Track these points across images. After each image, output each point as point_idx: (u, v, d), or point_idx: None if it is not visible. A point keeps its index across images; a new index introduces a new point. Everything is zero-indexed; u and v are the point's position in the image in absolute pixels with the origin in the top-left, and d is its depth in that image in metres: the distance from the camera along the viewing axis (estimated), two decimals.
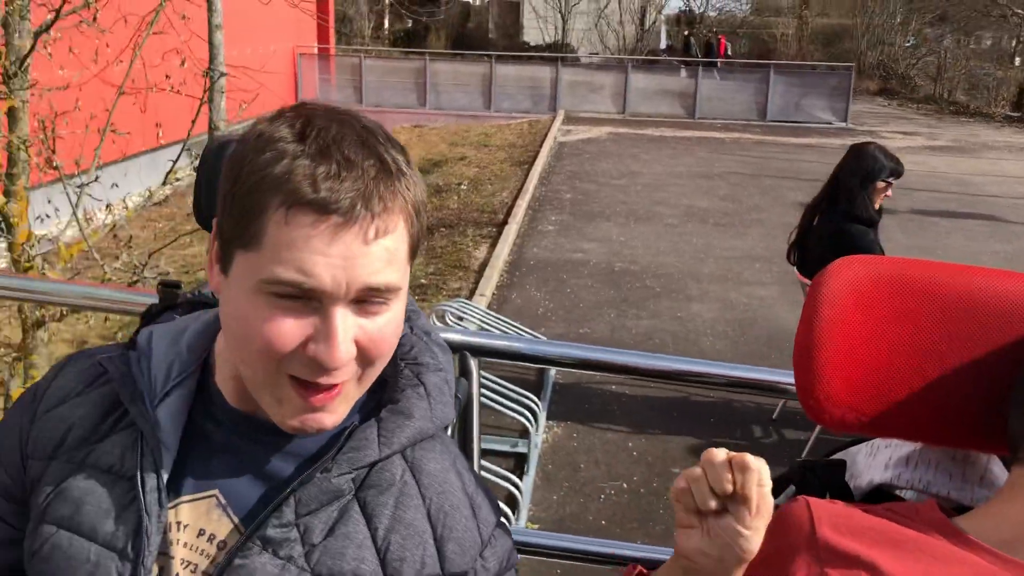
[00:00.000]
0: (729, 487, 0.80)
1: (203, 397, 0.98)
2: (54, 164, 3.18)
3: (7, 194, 3.39)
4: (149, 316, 1.29)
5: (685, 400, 4.77)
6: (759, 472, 0.81)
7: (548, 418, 4.53)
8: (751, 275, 7.27)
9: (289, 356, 0.84)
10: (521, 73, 18.94)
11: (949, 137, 16.43)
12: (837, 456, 1.11)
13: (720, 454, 0.82)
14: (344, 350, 0.83)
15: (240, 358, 0.87)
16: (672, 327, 5.99)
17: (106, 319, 3.89)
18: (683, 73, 19.17)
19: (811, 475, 1.03)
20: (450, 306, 4.99)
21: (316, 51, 18.93)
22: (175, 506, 0.94)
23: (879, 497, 1.02)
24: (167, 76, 3.87)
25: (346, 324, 0.83)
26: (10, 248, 3.43)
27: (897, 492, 1.02)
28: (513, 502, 3.55)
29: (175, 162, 3.41)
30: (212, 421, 0.97)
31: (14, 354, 3.38)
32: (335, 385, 0.86)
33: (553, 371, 5.00)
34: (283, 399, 0.86)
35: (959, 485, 1.00)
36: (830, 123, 16.99)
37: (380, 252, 0.83)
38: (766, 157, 13.29)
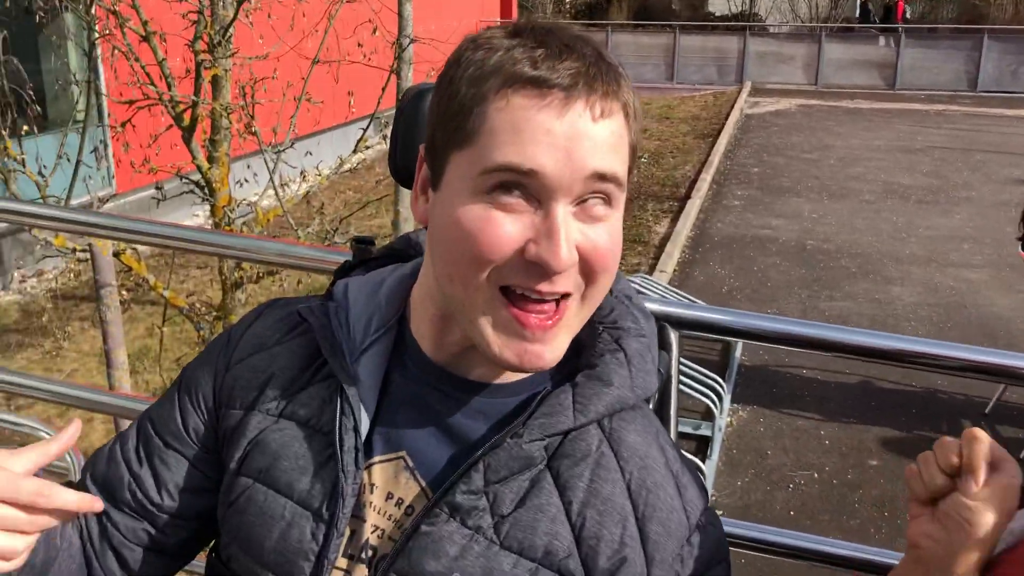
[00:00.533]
0: (956, 460, 0.77)
1: (399, 352, 0.92)
2: (253, 130, 3.28)
3: (210, 160, 3.55)
4: (343, 272, 1.25)
5: (883, 388, 4.42)
6: (987, 444, 0.77)
7: (733, 401, 4.32)
8: (958, 257, 6.68)
9: (506, 264, 0.77)
10: (706, 44, 18.32)
11: None
12: None
13: (951, 439, 0.79)
14: (567, 249, 0.75)
15: (450, 276, 0.80)
16: (869, 310, 5.59)
17: (299, 282, 4.03)
18: (882, 41, 17.94)
19: None
20: (631, 280, 4.86)
21: (499, 22, 19.08)
22: (368, 467, 0.89)
23: None
24: (359, 45, 3.93)
25: (568, 227, 0.76)
26: (212, 211, 3.60)
27: None
28: None
29: (365, 130, 3.46)
30: (405, 373, 0.91)
31: (215, 313, 3.55)
32: (555, 305, 0.78)
33: (739, 351, 4.78)
34: (498, 323, 0.79)
35: None
36: None
37: (605, 133, 0.76)
38: (976, 130, 12.23)
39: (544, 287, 0.76)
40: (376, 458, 0.89)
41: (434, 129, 0.81)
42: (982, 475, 0.77)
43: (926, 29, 19.29)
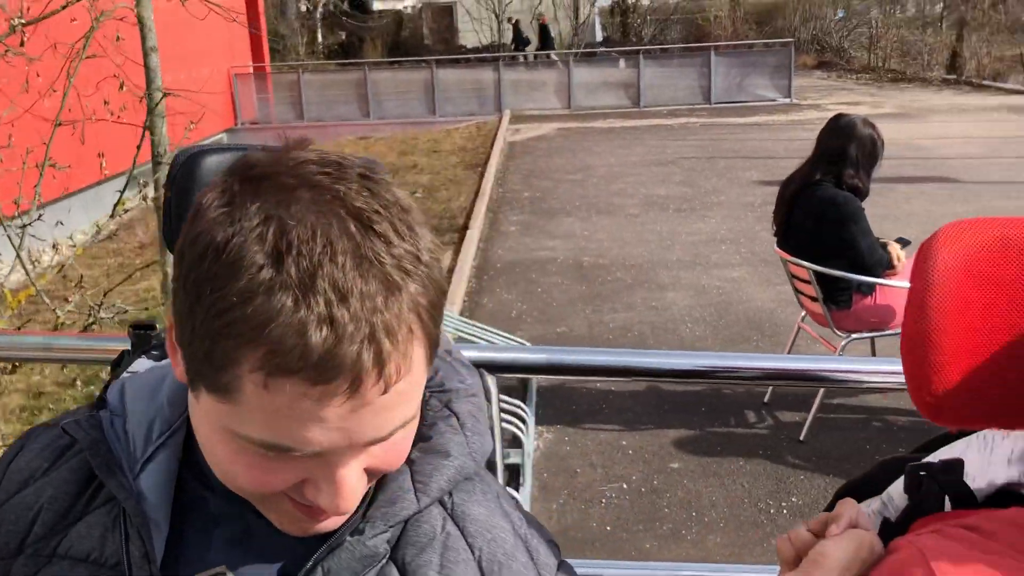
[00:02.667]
0: (824, 519, 0.82)
1: (193, 458, 0.81)
2: None
3: None
4: (118, 364, 1.10)
5: (673, 392, 4.64)
6: (855, 505, 0.83)
7: (536, 424, 4.37)
8: (719, 258, 7.19)
9: (282, 492, 0.70)
10: (462, 76, 18.77)
11: (893, 104, 16.61)
12: (944, 453, 0.97)
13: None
14: (353, 499, 0.69)
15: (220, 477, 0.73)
16: (649, 318, 5.87)
17: (63, 366, 3.65)
18: (622, 64, 19.16)
19: (928, 480, 0.88)
20: (485, 338, 4.82)
21: (252, 70, 18.58)
22: None
23: (1004, 500, 0.88)
24: (105, 102, 3.64)
25: (353, 467, 0.68)
26: None
27: None
28: None
29: (123, 192, 3.20)
30: (206, 485, 0.80)
31: None
32: None
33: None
34: (280, 511, 0.72)
35: None
36: (774, 100, 17.09)
37: (393, 400, 0.65)
38: (716, 139, 13.29)
39: (334, 515, 0.72)
40: None
41: (180, 330, 0.66)
42: (844, 522, 0.80)
43: (659, 50, 20.79)
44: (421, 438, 0.83)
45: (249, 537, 0.79)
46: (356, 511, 0.78)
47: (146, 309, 5.08)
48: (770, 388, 4.49)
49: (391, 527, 0.77)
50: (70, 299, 3.42)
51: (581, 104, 17.67)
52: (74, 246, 3.34)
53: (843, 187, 3.89)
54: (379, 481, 0.79)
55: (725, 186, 9.94)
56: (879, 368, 1.50)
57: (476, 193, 9.81)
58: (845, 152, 3.86)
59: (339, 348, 0.60)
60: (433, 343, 0.69)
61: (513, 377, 4.82)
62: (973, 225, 0.85)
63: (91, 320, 2.94)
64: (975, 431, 0.96)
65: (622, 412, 4.49)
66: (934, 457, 0.94)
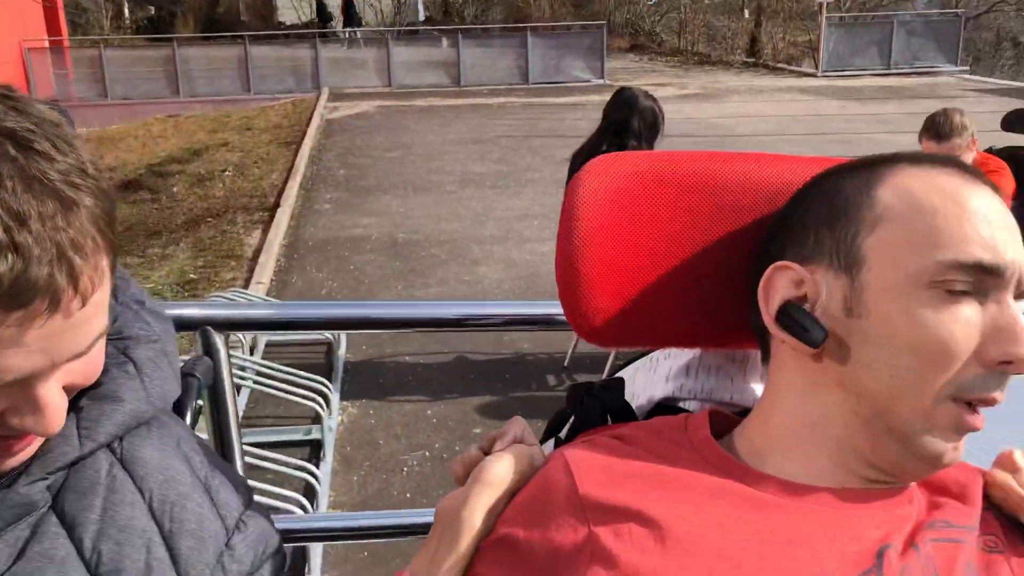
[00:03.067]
0: (493, 436, 0.87)
1: None
2: None
3: None
4: None
5: (479, 360, 4.74)
6: (520, 423, 0.88)
7: (342, 399, 4.35)
8: (531, 232, 7.36)
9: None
10: (279, 53, 18.20)
11: (697, 85, 17.48)
12: (623, 373, 1.05)
13: None
14: (59, 415, 0.67)
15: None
16: (460, 291, 5.95)
17: None
18: (445, 43, 19.17)
19: (590, 399, 0.96)
20: (224, 296, 4.68)
21: (47, 44, 17.30)
22: None
23: (663, 413, 0.96)
24: None
25: (53, 386, 0.67)
26: None
27: (681, 404, 0.97)
28: (311, 492, 3.37)
29: None
30: None
31: None
32: None
33: (343, 350, 4.82)
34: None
35: (741, 387, 0.96)
36: (589, 81, 17.59)
37: (90, 312, 0.65)
38: (533, 119, 13.55)
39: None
40: None
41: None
42: (508, 439, 0.85)
43: (480, 29, 20.94)
44: (93, 385, 0.82)
45: None
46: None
47: None
48: (570, 352, 4.67)
49: (50, 474, 0.75)
50: None
51: (402, 83, 17.55)
52: None
53: None
54: None
55: (540, 163, 10.16)
56: None
57: (289, 171, 9.57)
58: (628, 123, 4.04)
59: (29, 272, 0.59)
60: (114, 250, 0.69)
61: (310, 344, 4.76)
62: (617, 159, 0.92)
63: None
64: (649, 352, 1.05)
65: (429, 383, 4.54)
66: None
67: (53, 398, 0.66)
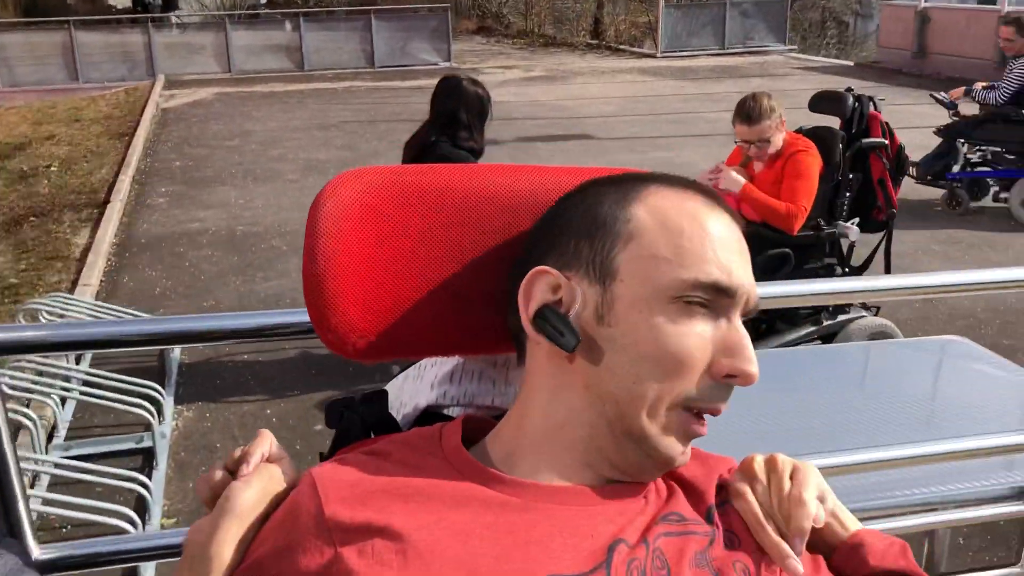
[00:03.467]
0: (237, 454, 0.86)
1: None
2: None
3: None
4: None
5: (321, 355, 4.67)
6: (267, 437, 0.89)
7: (176, 403, 4.21)
8: None
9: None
10: (109, 39, 17.20)
11: (542, 67, 17.71)
12: (391, 384, 1.06)
13: None
14: None
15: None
16: (299, 284, 5.83)
17: None
18: (288, 26, 18.63)
19: (350, 413, 0.96)
20: (42, 304, 4.42)
21: None
22: None
23: (429, 420, 0.98)
24: None
25: None
26: None
27: (445, 411, 0.99)
28: (142, 504, 3.25)
29: None
30: None
31: None
32: None
33: (177, 351, 4.65)
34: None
35: (502, 391, 0.99)
36: (436, 64, 17.52)
37: None
38: (379, 103, 13.41)
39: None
40: None
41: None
42: (254, 460, 0.84)
43: (324, 13, 20.47)
44: None
45: None
46: None
47: None
48: None
49: None
50: None
51: (243, 68, 16.97)
52: None
53: (459, 147, 4.09)
54: None
55: (385, 148, 10.06)
56: None
57: (120, 164, 9.10)
58: (456, 115, 4.05)
59: None
60: None
61: (147, 356, 4.57)
62: (363, 174, 0.92)
63: None
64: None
65: (268, 381, 4.45)
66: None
67: None
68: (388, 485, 0.79)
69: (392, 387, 1.07)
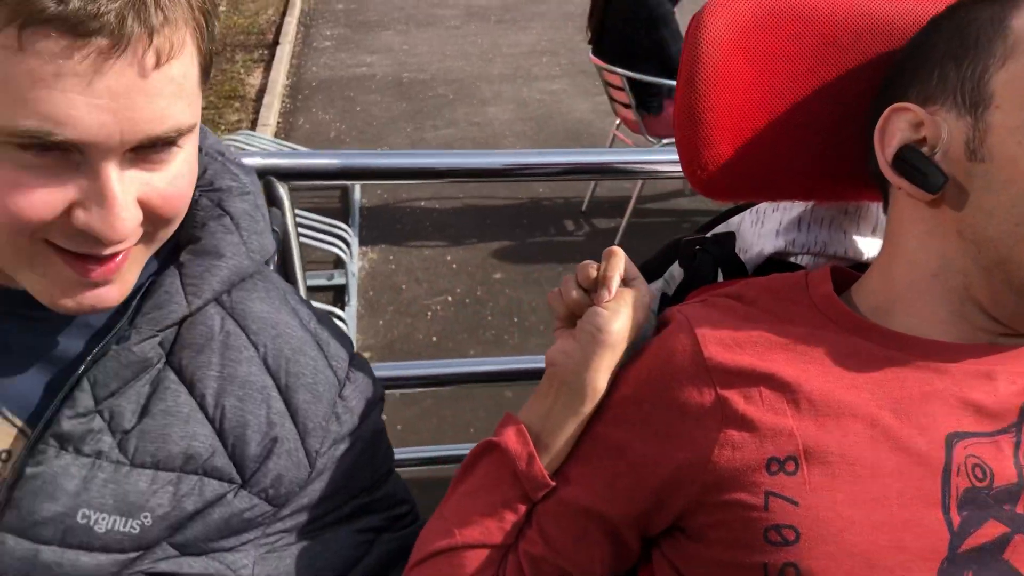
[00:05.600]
0: (593, 273, 0.82)
1: None
2: None
3: None
4: None
5: (495, 205, 4.69)
6: (622, 259, 0.82)
7: (361, 244, 4.33)
8: (540, 70, 7.14)
9: (50, 227, 0.62)
10: None
11: None
12: (720, 229, 1.01)
13: (591, 261, 0.83)
14: (127, 217, 0.62)
15: None
16: (471, 133, 5.82)
17: None
18: None
19: (702, 254, 0.92)
20: (234, 139, 4.57)
21: None
22: None
23: (773, 268, 0.93)
24: None
25: (125, 184, 0.62)
26: None
27: (792, 259, 0.94)
28: None
29: None
30: None
31: None
32: (117, 253, 0.66)
33: (358, 194, 4.76)
34: (48, 273, 0.65)
35: (854, 240, 0.93)
36: None
37: (165, 84, 0.60)
38: None
39: (105, 250, 0.64)
40: None
41: None
42: (615, 284, 0.80)
43: None
44: (191, 239, 0.79)
45: (8, 353, 0.73)
46: (122, 315, 0.74)
47: None
48: (588, 196, 4.61)
49: (160, 331, 0.74)
50: None
51: None
52: None
53: None
54: (151, 288, 0.76)
55: None
56: (666, 157, 1.52)
57: (285, 5, 9.17)
58: None
59: (101, 2, 0.55)
60: (207, 54, 0.66)
61: (324, 189, 4.72)
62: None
63: None
64: (747, 205, 1.01)
65: (445, 228, 4.51)
66: (709, 233, 0.99)
67: (122, 193, 0.62)
68: (764, 331, 0.76)
69: (725, 228, 1.02)
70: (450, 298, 3.88)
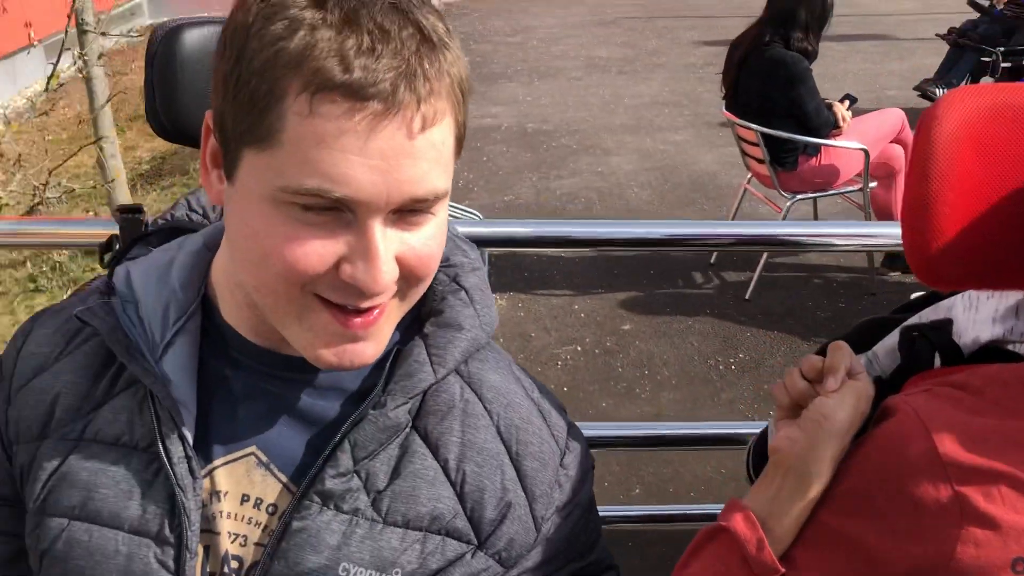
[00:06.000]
0: (818, 364, 0.85)
1: (212, 339, 0.83)
2: None
3: None
4: (108, 248, 1.10)
5: (622, 256, 4.72)
6: (848, 352, 0.85)
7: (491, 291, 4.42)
8: (663, 121, 7.18)
9: (319, 281, 0.69)
10: None
11: None
12: (930, 314, 1.02)
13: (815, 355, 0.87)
14: (386, 271, 0.68)
15: (255, 283, 0.72)
16: (596, 183, 5.90)
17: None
18: None
19: (922, 341, 0.94)
20: None
21: None
22: (209, 473, 0.80)
23: (989, 355, 0.94)
24: None
25: (387, 240, 0.68)
26: None
27: (1010, 347, 0.94)
28: None
29: (56, 64, 3.03)
30: (229, 364, 0.82)
31: None
32: (376, 307, 0.72)
33: None
34: (314, 326, 0.72)
35: None
36: None
37: (427, 148, 0.67)
38: None
39: (365, 303, 0.71)
40: (218, 461, 0.81)
41: (222, 106, 0.69)
42: (841, 375, 0.83)
43: None
44: (433, 312, 0.86)
45: (275, 415, 0.81)
46: (375, 383, 0.80)
47: (93, 186, 4.88)
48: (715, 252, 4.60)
49: (411, 398, 0.80)
50: (9, 179, 3.29)
51: None
52: (7, 122, 3.18)
53: (792, 49, 3.88)
54: (400, 357, 0.82)
55: (666, 47, 9.82)
56: (842, 231, 1.54)
57: None
58: (795, 14, 3.84)
59: (379, 71, 0.63)
60: (461, 127, 0.72)
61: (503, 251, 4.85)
62: (973, 92, 0.87)
63: (37, 201, 2.83)
64: (961, 292, 1.02)
65: (572, 277, 4.57)
66: (920, 318, 1.00)
67: (384, 250, 0.68)
68: (997, 427, 0.76)
69: (936, 314, 1.03)
70: (579, 348, 3.92)
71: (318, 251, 0.68)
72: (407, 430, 0.81)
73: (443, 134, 0.69)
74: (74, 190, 3.19)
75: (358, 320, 0.72)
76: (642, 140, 6.73)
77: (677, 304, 4.25)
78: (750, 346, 3.88)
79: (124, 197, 4.92)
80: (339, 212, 0.67)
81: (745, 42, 4.03)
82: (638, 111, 7.47)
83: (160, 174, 6.62)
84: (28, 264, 3.65)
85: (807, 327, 3.99)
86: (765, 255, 4.24)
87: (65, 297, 1.01)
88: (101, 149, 4.34)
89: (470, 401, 0.85)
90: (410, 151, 0.66)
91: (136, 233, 1.08)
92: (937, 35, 6.78)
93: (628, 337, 3.98)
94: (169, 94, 1.03)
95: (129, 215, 1.10)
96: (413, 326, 0.86)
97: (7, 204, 2.85)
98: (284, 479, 0.80)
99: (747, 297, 4.22)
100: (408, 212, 0.69)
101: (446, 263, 0.89)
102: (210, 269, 0.84)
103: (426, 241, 0.72)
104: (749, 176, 4.52)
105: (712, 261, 4.60)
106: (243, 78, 0.66)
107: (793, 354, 3.80)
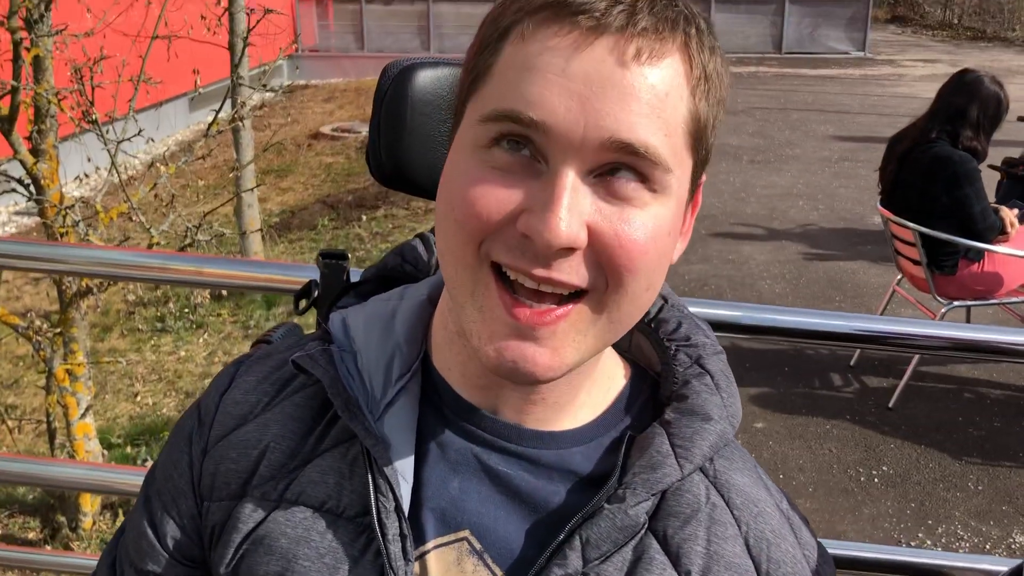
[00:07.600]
0: None
1: (428, 398, 0.73)
2: (92, 117, 2.86)
3: (35, 152, 3.09)
4: (305, 294, 1.03)
5: (753, 350, 4.51)
6: None
7: None
8: (796, 213, 6.97)
9: (497, 237, 0.60)
10: (459, 10, 18.35)
11: (972, 63, 15.95)
12: None
13: None
14: (565, 219, 0.58)
15: (442, 253, 0.64)
16: (726, 271, 5.72)
17: (157, 288, 3.61)
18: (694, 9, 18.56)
19: None
20: None
21: None
22: (421, 556, 0.69)
23: None
24: (203, 17, 3.54)
25: (577, 196, 0.59)
26: (42, 213, 3.15)
27: None
28: None
29: (218, 111, 3.10)
30: (443, 424, 0.72)
31: (55, 330, 3.11)
32: (552, 299, 0.62)
33: None
34: (484, 306, 0.62)
35: None
36: (847, 53, 16.50)
37: (641, 88, 0.58)
38: (788, 90, 12.88)
39: (539, 271, 0.60)
40: (430, 543, 0.70)
41: (460, 80, 0.67)
42: None
43: None
44: (674, 396, 0.75)
45: (491, 493, 0.70)
46: (608, 471, 0.69)
47: (222, 234, 5.02)
48: (856, 352, 4.34)
49: (653, 495, 0.68)
50: (162, 220, 3.37)
51: None
52: (166, 163, 3.27)
53: (959, 147, 3.68)
54: (636, 444, 0.71)
55: (799, 139, 9.64)
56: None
57: None
58: (966, 112, 3.64)
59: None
60: (697, 120, 0.64)
61: None
62: None
63: (188, 241, 2.87)
64: None
65: None
66: None
67: (569, 199, 0.59)
68: None
69: None
70: None
71: (499, 196, 0.60)
72: (643, 532, 0.69)
73: (666, 84, 0.60)
74: (224, 234, 3.24)
75: (528, 311, 0.61)
76: (775, 231, 6.54)
77: (813, 406, 4.00)
78: (894, 459, 3.60)
79: (257, 247, 5.03)
80: (533, 162, 0.60)
81: (909, 136, 3.84)
82: (771, 201, 7.29)
83: (289, 227, 6.80)
84: (171, 303, 3.70)
85: (958, 445, 3.69)
86: (915, 361, 3.96)
87: (251, 347, 0.93)
88: (240, 199, 4.45)
89: (717, 506, 0.72)
90: (618, 83, 0.58)
91: (338, 281, 1.01)
92: None
93: (760, 436, 3.76)
94: (396, 136, 0.95)
95: (332, 261, 1.02)
96: (648, 409, 0.75)
97: (158, 243, 2.89)
98: (499, 572, 0.68)
99: (890, 406, 3.94)
100: (610, 175, 0.60)
101: (687, 342, 0.78)
102: (431, 323, 0.75)
103: (631, 222, 0.61)
104: (899, 277, 4.28)
105: (852, 363, 4.34)
106: (480, 33, 0.65)
107: (943, 472, 3.50)
